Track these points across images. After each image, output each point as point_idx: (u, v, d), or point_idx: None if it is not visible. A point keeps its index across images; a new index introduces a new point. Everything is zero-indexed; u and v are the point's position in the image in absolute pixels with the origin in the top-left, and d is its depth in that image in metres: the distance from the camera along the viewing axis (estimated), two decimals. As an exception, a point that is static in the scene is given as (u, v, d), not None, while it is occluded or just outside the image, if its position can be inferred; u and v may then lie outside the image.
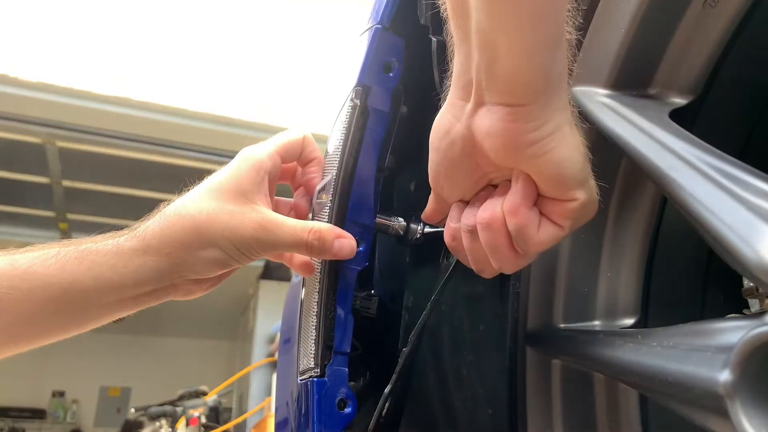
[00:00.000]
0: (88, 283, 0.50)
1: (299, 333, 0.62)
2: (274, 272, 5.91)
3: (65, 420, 8.02)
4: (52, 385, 8.11)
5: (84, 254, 0.51)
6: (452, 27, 0.38)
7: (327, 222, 0.56)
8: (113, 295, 0.52)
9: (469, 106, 0.38)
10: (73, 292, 0.50)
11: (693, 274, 0.56)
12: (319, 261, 0.58)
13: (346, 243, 0.54)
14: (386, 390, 0.57)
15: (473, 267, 0.46)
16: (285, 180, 0.64)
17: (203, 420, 4.27)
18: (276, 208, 0.59)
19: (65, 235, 5.39)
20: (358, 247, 0.58)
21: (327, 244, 0.53)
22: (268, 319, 5.87)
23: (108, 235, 0.55)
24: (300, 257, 0.60)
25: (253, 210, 0.53)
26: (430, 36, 0.57)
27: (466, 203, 0.46)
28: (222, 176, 0.55)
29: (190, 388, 4.51)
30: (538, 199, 0.41)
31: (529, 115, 0.36)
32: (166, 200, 0.56)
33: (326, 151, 0.61)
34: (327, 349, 0.56)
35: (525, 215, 0.40)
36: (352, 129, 0.57)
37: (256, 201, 0.54)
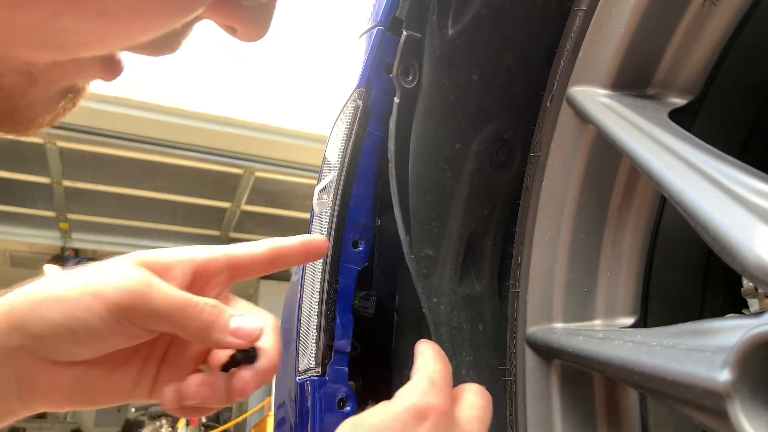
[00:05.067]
0: None
1: (299, 332, 0.62)
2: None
3: (65, 419, 8.03)
4: (53, 385, 8.12)
5: None
6: None
7: (328, 221, 0.56)
8: None
9: None
10: None
11: (693, 274, 0.57)
12: (320, 262, 0.58)
13: (245, 324, 0.42)
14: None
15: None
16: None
17: (203, 419, 4.27)
18: None
19: (65, 234, 5.40)
20: (358, 247, 0.58)
21: (223, 317, 0.42)
22: (268, 319, 5.85)
23: None
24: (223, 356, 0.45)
25: (138, 269, 0.41)
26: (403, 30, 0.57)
27: None
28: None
29: (191, 387, 4.51)
30: None
31: None
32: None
33: (326, 152, 0.61)
34: (327, 348, 0.56)
35: None
36: (354, 130, 0.57)
37: (160, 275, 0.42)
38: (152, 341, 0.43)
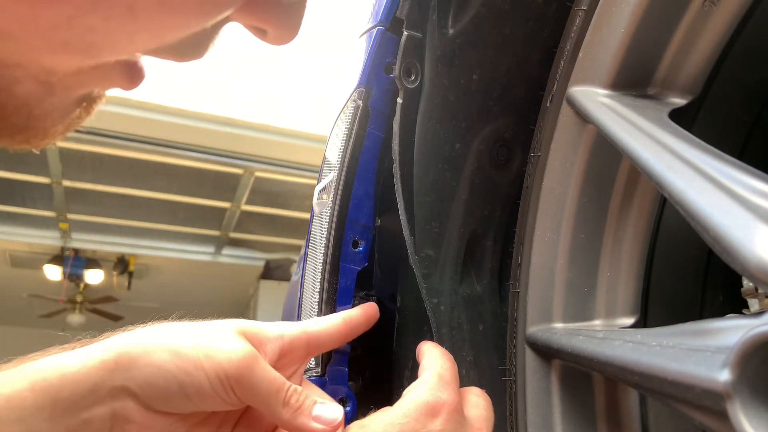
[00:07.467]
0: None
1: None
2: (274, 272, 5.92)
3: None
4: (53, 385, 8.11)
5: None
6: None
7: (328, 221, 0.56)
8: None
9: None
10: None
11: (693, 274, 0.57)
12: (320, 262, 0.58)
13: (327, 411, 0.45)
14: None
15: None
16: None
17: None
18: None
19: (65, 234, 5.40)
20: (358, 247, 0.58)
21: (308, 402, 0.44)
22: (268, 319, 5.87)
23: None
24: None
25: (245, 342, 0.43)
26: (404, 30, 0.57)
27: None
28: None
29: (190, 387, 4.50)
30: None
31: None
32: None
33: (326, 152, 0.61)
34: (327, 348, 0.56)
35: None
36: (354, 130, 0.57)
37: (257, 347, 0.45)
38: None
